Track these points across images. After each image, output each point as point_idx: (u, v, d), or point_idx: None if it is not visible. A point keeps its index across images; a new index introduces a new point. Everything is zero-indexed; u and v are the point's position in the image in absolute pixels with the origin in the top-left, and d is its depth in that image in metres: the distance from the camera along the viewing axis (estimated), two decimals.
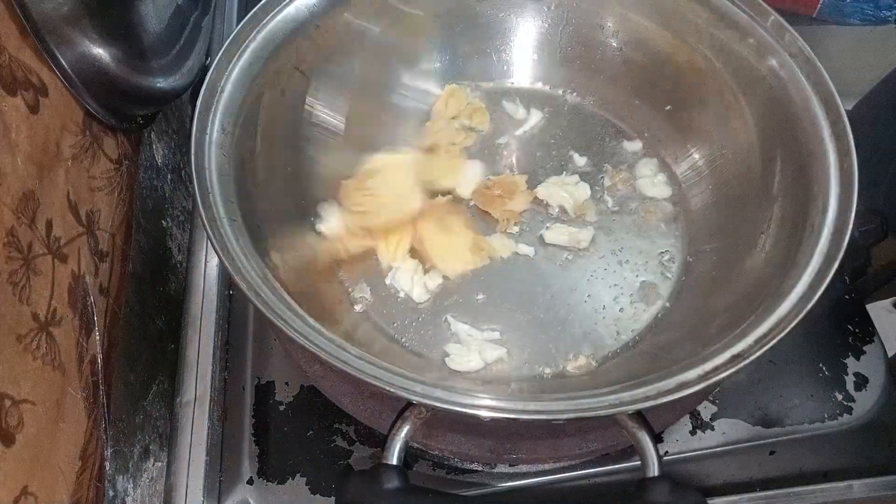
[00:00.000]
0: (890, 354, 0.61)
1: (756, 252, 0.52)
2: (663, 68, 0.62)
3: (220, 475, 0.57)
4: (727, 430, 0.57)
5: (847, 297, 0.64)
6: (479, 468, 0.55)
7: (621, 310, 0.56)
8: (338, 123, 0.62)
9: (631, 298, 0.56)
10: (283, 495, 0.55)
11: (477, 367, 0.53)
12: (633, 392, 0.41)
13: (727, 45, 0.57)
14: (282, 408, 0.59)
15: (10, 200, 0.39)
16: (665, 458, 0.56)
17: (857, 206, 0.46)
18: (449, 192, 0.61)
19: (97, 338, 0.47)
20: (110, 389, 0.49)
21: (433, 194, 0.61)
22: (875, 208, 0.68)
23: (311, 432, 0.58)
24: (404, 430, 0.42)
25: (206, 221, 0.46)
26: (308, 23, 0.58)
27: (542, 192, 0.61)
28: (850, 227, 0.45)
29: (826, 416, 0.58)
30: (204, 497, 0.54)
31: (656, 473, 0.40)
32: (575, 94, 0.67)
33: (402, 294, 0.57)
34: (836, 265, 0.44)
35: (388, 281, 0.57)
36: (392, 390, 0.40)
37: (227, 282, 0.65)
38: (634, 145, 0.64)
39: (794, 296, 0.44)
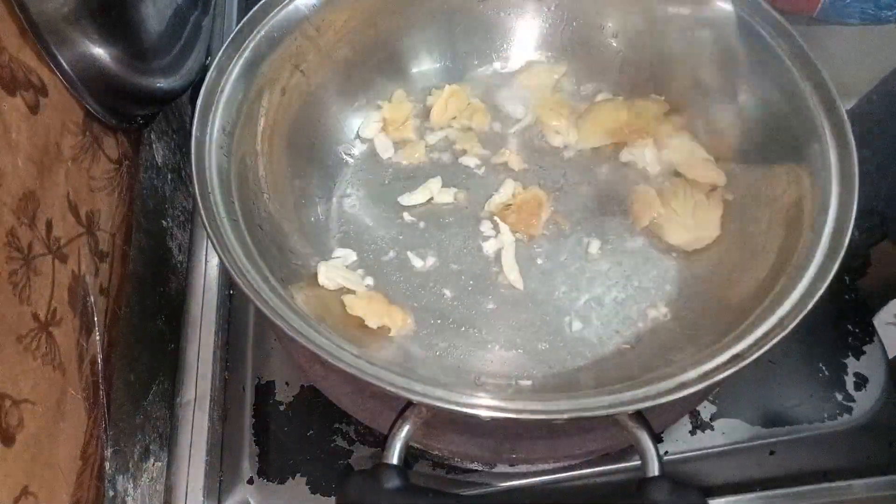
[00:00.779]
0: (890, 356, 0.62)
1: (756, 252, 0.52)
2: (663, 68, 0.62)
3: (220, 475, 0.57)
4: (727, 430, 0.57)
5: (847, 297, 0.64)
6: (479, 468, 0.55)
7: (620, 309, 0.56)
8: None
9: (631, 299, 0.56)
10: (283, 495, 0.55)
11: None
12: (633, 392, 0.41)
13: (727, 44, 0.57)
14: (282, 408, 0.59)
15: (10, 200, 0.39)
16: (665, 458, 0.56)
17: (857, 206, 0.46)
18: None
19: (97, 338, 0.47)
20: (110, 389, 0.49)
21: None
22: (875, 208, 0.68)
23: (311, 432, 0.58)
24: (404, 430, 0.42)
25: (206, 221, 0.46)
26: (308, 23, 0.58)
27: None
28: (850, 227, 0.45)
29: (826, 416, 0.58)
30: (204, 497, 0.54)
31: (656, 473, 0.40)
32: (574, 94, 0.67)
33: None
34: (836, 265, 0.44)
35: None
36: (392, 390, 0.40)
37: (227, 282, 0.65)
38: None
39: (794, 296, 0.44)
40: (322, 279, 0.54)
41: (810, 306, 0.42)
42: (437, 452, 0.51)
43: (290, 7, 0.56)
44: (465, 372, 0.52)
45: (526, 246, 0.59)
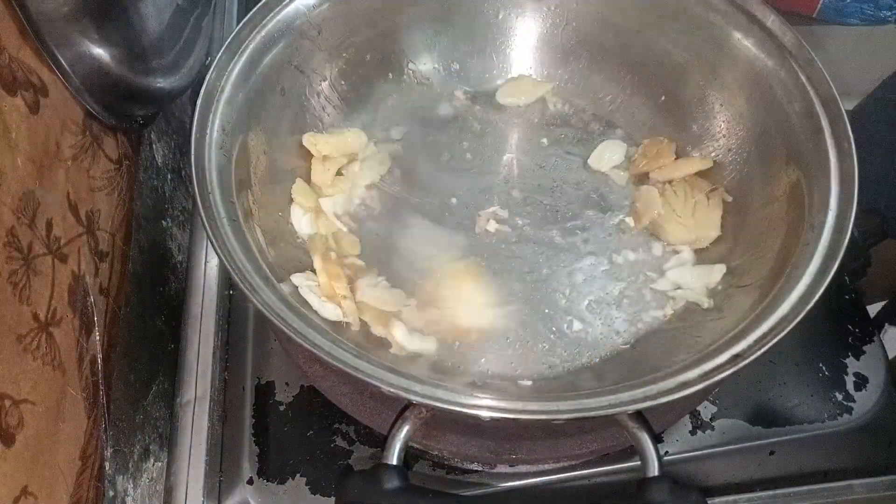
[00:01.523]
0: (890, 356, 0.62)
1: (756, 252, 0.52)
2: (663, 68, 0.62)
3: (220, 475, 0.57)
4: (727, 430, 0.57)
5: (847, 297, 0.64)
6: (479, 468, 0.55)
7: (621, 310, 0.56)
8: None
9: (631, 299, 0.56)
10: (283, 495, 0.55)
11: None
12: (633, 392, 0.41)
13: (727, 44, 0.57)
14: (282, 408, 0.59)
15: (10, 200, 0.39)
16: (665, 458, 0.56)
17: (857, 206, 0.46)
18: None
19: (97, 338, 0.47)
20: (110, 389, 0.49)
21: None
22: (875, 208, 0.68)
23: (311, 432, 0.58)
24: (404, 430, 0.42)
25: (206, 221, 0.46)
26: (308, 23, 0.58)
27: None
28: (850, 227, 0.45)
29: (826, 416, 0.58)
30: (204, 497, 0.54)
31: (656, 473, 0.41)
32: (575, 94, 0.67)
33: None
34: (836, 265, 0.44)
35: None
36: (392, 390, 0.40)
37: (227, 282, 0.65)
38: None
39: (794, 296, 0.44)
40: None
41: (810, 306, 0.42)
42: (436, 453, 0.51)
43: (290, 7, 0.56)
44: (465, 373, 0.52)
45: (527, 246, 0.59)
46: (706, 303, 0.53)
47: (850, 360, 0.61)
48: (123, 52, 0.51)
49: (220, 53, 0.53)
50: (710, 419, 0.58)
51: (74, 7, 0.46)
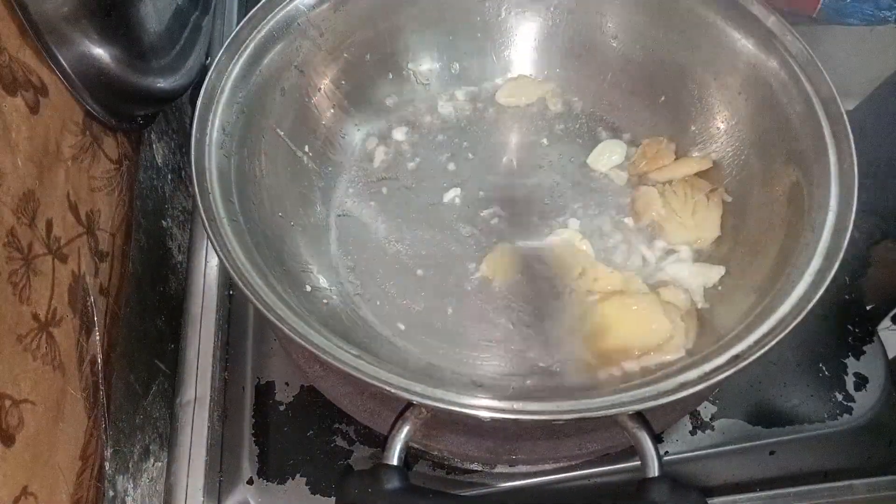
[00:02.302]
0: (890, 356, 0.61)
1: (756, 252, 0.52)
2: (663, 68, 0.62)
3: (220, 475, 0.57)
4: (727, 430, 0.57)
5: (847, 297, 0.64)
6: (479, 468, 0.55)
7: None
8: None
9: None
10: (283, 495, 0.55)
11: None
12: (633, 392, 0.41)
13: (727, 45, 0.57)
14: (282, 408, 0.59)
15: (10, 200, 0.39)
16: (665, 458, 0.56)
17: (857, 206, 0.46)
18: None
19: (97, 338, 0.47)
20: (110, 389, 0.49)
21: None
22: (875, 208, 0.68)
23: (311, 432, 0.58)
24: (404, 431, 0.42)
25: (206, 221, 0.46)
26: (308, 23, 0.58)
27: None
28: (850, 227, 0.45)
29: (826, 416, 0.58)
30: (204, 497, 0.54)
31: (656, 473, 0.40)
32: (575, 94, 0.67)
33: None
34: (836, 265, 0.44)
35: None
36: (392, 390, 0.40)
37: (227, 282, 0.65)
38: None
39: (794, 296, 0.43)
40: None
41: (810, 306, 0.42)
42: (436, 453, 0.51)
43: (290, 7, 0.56)
44: (465, 373, 0.52)
45: (527, 246, 0.59)
46: (701, 302, 0.53)
47: (850, 360, 0.61)
48: (123, 52, 0.51)
49: (220, 53, 0.53)
50: (710, 419, 0.58)
51: (74, 7, 0.46)
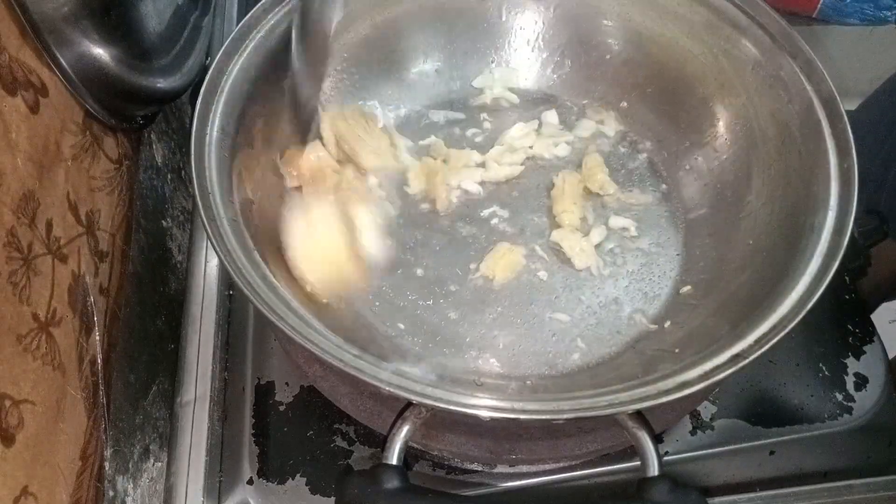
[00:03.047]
0: (890, 356, 0.61)
1: (756, 252, 0.52)
2: (663, 68, 0.62)
3: (220, 475, 0.57)
4: (727, 430, 0.57)
5: (847, 297, 0.64)
6: (479, 468, 0.55)
7: (621, 310, 0.56)
8: None
9: (632, 299, 0.56)
10: (283, 495, 0.55)
11: None
12: (633, 392, 0.41)
13: (727, 45, 0.57)
14: (282, 408, 0.59)
15: (10, 200, 0.39)
16: (665, 458, 0.56)
17: (857, 206, 0.46)
18: None
19: (97, 338, 0.47)
20: (110, 389, 0.49)
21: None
22: (875, 208, 0.68)
23: (311, 432, 0.58)
24: (404, 430, 0.42)
25: (206, 221, 0.46)
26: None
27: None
28: (850, 227, 0.45)
29: (826, 416, 0.58)
30: (204, 497, 0.54)
31: (656, 473, 0.40)
32: (574, 95, 0.67)
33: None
34: (835, 265, 0.44)
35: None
36: (392, 390, 0.40)
37: (227, 282, 0.65)
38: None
39: (794, 296, 0.44)
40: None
41: (810, 306, 0.42)
42: (436, 453, 0.51)
43: (290, 7, 0.56)
44: (465, 372, 0.52)
45: (529, 246, 0.59)
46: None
47: (850, 360, 0.61)
48: (123, 52, 0.51)
49: (220, 53, 0.53)
50: (710, 419, 0.58)
51: (74, 7, 0.46)
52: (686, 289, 0.56)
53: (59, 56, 0.45)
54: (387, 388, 0.40)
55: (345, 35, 0.61)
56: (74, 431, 0.43)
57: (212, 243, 0.45)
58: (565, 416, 0.40)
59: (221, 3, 0.74)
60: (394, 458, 0.41)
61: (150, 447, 0.55)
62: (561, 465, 0.55)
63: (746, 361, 0.41)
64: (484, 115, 0.66)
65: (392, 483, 0.40)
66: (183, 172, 0.68)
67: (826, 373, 0.60)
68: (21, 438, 0.37)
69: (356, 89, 0.64)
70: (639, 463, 0.41)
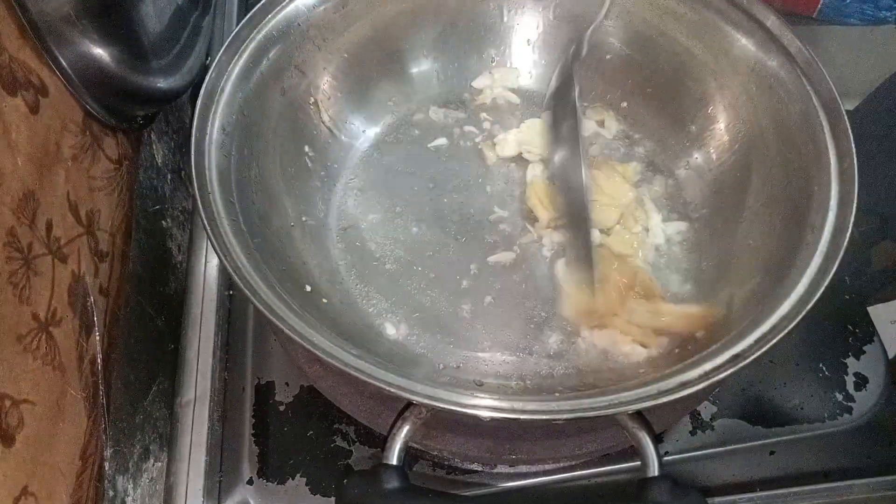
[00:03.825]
0: (890, 356, 0.61)
1: (757, 252, 0.52)
2: (663, 68, 0.62)
3: (220, 475, 0.57)
4: (727, 430, 0.57)
5: (847, 297, 0.64)
6: (479, 468, 0.55)
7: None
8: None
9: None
10: (283, 495, 0.55)
11: None
12: (633, 392, 0.41)
13: (727, 45, 0.57)
14: (282, 408, 0.59)
15: (10, 200, 0.39)
16: (665, 458, 0.56)
17: (857, 206, 0.46)
18: None
19: (97, 338, 0.47)
20: (110, 389, 0.49)
21: None
22: (875, 208, 0.68)
23: (311, 432, 0.58)
24: (404, 430, 0.42)
25: (206, 221, 0.46)
26: (308, 23, 0.58)
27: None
28: (850, 227, 0.45)
29: (826, 416, 0.58)
30: (204, 497, 0.54)
31: (656, 473, 0.40)
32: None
33: None
34: (835, 265, 0.44)
35: None
36: (392, 390, 0.40)
37: (227, 282, 0.65)
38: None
39: (794, 296, 0.44)
40: None
41: (810, 306, 0.42)
42: (436, 453, 0.51)
43: (290, 7, 0.56)
44: (465, 372, 0.52)
45: (529, 247, 0.59)
46: None
47: (850, 360, 0.61)
48: (123, 52, 0.51)
49: (220, 53, 0.53)
50: (710, 419, 0.58)
51: (74, 7, 0.46)
52: (686, 288, 0.56)
53: (59, 56, 0.45)
54: (387, 389, 0.40)
55: (345, 35, 0.61)
56: (74, 431, 0.43)
57: (212, 243, 0.45)
58: (565, 416, 0.40)
59: (221, 3, 0.74)
60: (394, 458, 0.41)
61: (150, 447, 0.55)
62: (561, 465, 0.55)
63: (746, 361, 0.41)
64: (484, 115, 0.66)
65: (392, 483, 0.40)
66: (183, 172, 0.67)
67: (826, 373, 0.60)
68: (21, 438, 0.37)
69: (356, 89, 0.64)
70: (639, 463, 0.41)
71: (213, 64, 0.52)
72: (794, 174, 0.51)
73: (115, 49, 0.50)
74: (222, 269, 0.64)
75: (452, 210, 0.61)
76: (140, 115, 0.56)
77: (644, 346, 0.52)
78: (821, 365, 0.60)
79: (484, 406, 0.40)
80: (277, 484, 0.56)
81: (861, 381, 0.60)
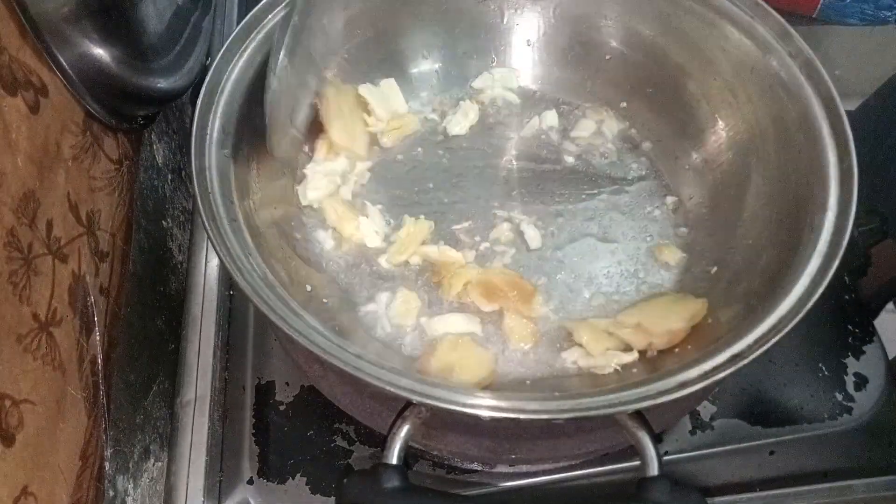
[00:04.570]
0: (890, 356, 0.61)
1: (756, 252, 0.52)
2: (663, 68, 0.62)
3: (220, 475, 0.57)
4: (727, 430, 0.57)
5: (847, 297, 0.64)
6: (479, 468, 0.55)
7: (622, 309, 0.56)
8: None
9: (633, 298, 0.56)
10: (283, 495, 0.56)
11: None
12: (632, 392, 0.41)
13: (727, 45, 0.57)
14: (282, 408, 0.59)
15: (11, 200, 0.39)
16: (665, 458, 0.56)
17: (857, 206, 0.46)
18: None
19: (97, 338, 0.47)
20: (110, 389, 0.49)
21: None
22: (875, 208, 0.68)
23: (311, 432, 0.58)
24: (404, 430, 0.42)
25: (206, 221, 0.46)
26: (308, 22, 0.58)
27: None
28: (850, 227, 0.45)
29: (826, 416, 0.58)
30: (204, 497, 0.54)
31: (656, 473, 0.40)
32: (573, 94, 0.67)
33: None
34: (835, 265, 0.44)
35: None
36: (392, 390, 0.40)
37: (227, 282, 0.65)
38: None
39: (794, 296, 0.43)
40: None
41: (810, 306, 0.42)
42: (436, 453, 0.51)
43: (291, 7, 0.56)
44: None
45: (529, 247, 0.59)
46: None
47: (850, 360, 0.61)
48: (123, 53, 0.51)
49: (220, 53, 0.53)
50: (710, 419, 0.58)
51: (74, 7, 0.46)
52: (687, 290, 0.56)
53: (59, 56, 0.45)
54: (387, 389, 0.40)
55: (345, 35, 0.61)
56: (74, 431, 0.44)
57: (212, 243, 0.45)
58: (565, 416, 0.40)
59: (221, 3, 0.74)
60: (394, 458, 0.41)
61: (151, 447, 0.55)
62: (561, 465, 0.55)
63: (746, 361, 0.41)
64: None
65: (392, 483, 0.40)
66: (183, 172, 0.68)
67: (826, 373, 0.60)
68: (21, 438, 0.37)
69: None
70: (639, 463, 0.41)
71: (214, 64, 0.52)
72: (794, 174, 0.51)
73: (115, 49, 0.50)
74: (222, 269, 0.64)
75: (452, 209, 0.61)
76: (140, 115, 0.57)
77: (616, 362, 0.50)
78: (821, 365, 0.60)
79: (484, 406, 0.40)
80: (278, 483, 0.56)
81: (861, 382, 0.60)
